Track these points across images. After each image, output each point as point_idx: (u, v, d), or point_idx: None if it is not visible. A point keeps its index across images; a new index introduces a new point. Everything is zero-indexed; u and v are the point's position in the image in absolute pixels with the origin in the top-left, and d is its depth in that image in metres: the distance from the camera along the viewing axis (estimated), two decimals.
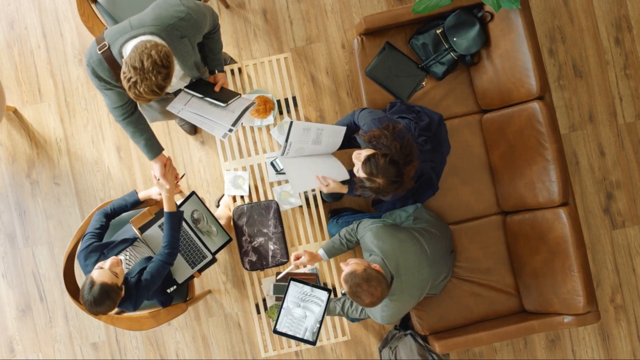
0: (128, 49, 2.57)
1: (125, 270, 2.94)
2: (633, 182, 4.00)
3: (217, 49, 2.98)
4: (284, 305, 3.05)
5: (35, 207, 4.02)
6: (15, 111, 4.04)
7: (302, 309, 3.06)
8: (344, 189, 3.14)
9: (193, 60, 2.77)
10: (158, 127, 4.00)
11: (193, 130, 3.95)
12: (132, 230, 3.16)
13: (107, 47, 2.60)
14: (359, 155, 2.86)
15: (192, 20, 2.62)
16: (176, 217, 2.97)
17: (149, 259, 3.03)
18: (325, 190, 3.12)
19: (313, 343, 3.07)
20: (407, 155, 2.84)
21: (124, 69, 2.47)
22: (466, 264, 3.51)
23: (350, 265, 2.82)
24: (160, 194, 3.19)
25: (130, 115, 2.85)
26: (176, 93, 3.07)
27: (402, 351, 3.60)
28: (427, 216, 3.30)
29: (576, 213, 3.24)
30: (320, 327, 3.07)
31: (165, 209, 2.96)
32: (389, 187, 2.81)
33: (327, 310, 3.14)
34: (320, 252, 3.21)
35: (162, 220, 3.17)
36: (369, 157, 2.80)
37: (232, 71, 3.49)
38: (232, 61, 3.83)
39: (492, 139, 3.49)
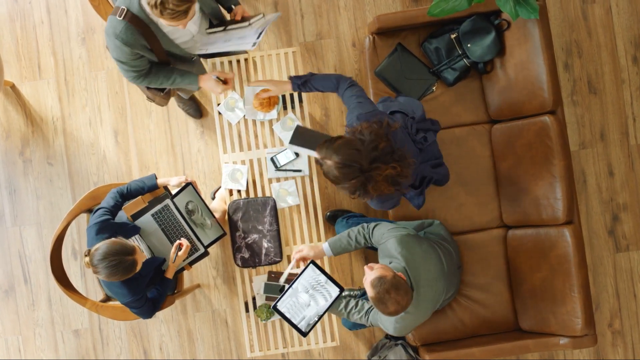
0: None
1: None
2: None
3: None
4: (294, 286, 2.95)
5: (26, 186, 3.93)
6: (13, 86, 3.96)
7: (309, 296, 2.95)
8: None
9: None
10: (158, 114, 3.92)
11: (198, 113, 3.85)
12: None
13: (126, 10, 2.65)
14: None
15: None
16: (169, 284, 3.14)
17: (160, 265, 3.08)
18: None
19: (304, 334, 2.97)
20: (387, 154, 2.57)
21: (149, 2, 2.49)
22: (464, 276, 3.46)
23: (377, 269, 2.72)
24: (176, 185, 3.17)
25: (150, 69, 2.91)
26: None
27: None
28: (440, 231, 3.29)
29: (580, 233, 3.21)
30: (317, 322, 2.97)
31: (167, 275, 3.12)
32: (339, 171, 2.53)
33: (331, 307, 3.03)
34: (325, 246, 3.10)
35: (155, 209, 3.14)
36: (329, 139, 2.62)
37: (237, 61, 3.41)
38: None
39: (500, 150, 3.43)
